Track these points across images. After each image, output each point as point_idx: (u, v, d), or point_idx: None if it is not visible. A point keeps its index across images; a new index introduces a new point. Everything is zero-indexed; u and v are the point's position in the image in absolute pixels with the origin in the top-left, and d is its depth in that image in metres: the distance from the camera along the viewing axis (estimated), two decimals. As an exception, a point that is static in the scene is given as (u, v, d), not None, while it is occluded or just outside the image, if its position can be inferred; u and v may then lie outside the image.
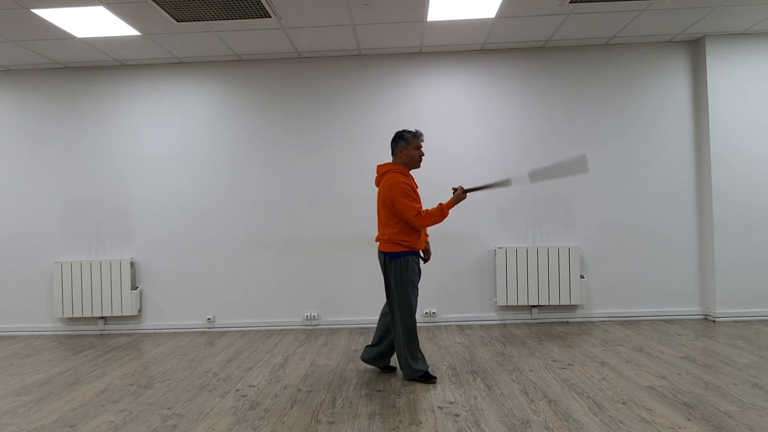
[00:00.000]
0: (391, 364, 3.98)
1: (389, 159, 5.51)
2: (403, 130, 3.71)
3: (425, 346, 4.67)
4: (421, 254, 3.88)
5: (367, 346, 3.95)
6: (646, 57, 5.49)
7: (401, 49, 5.45)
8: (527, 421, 2.94)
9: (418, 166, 3.74)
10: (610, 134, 5.50)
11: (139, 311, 5.60)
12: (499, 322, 5.49)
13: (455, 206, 3.83)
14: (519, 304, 5.38)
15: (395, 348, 3.73)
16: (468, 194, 3.68)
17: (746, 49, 5.29)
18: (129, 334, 5.53)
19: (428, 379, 3.67)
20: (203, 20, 4.52)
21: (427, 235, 3.84)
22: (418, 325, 5.51)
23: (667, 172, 5.47)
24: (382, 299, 5.51)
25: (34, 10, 4.23)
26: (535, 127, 5.52)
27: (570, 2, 4.37)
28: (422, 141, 3.71)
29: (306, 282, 5.56)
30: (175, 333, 5.53)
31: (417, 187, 3.76)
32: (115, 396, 3.59)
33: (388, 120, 5.55)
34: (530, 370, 3.86)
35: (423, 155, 3.72)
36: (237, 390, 3.64)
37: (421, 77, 5.56)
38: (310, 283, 5.56)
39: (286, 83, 5.61)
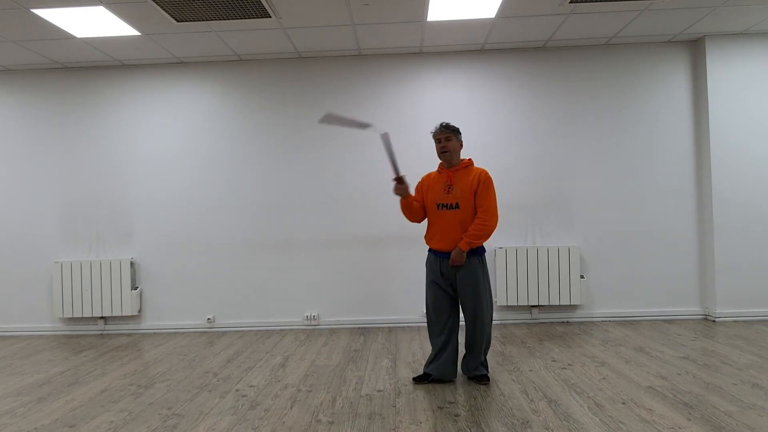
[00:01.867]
0: (474, 372, 3.65)
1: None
2: None
3: (425, 346, 4.67)
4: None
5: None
6: (646, 57, 5.49)
7: (401, 49, 5.45)
8: (527, 421, 2.94)
9: (441, 159, 3.59)
10: (610, 134, 5.50)
11: (139, 311, 5.60)
12: (499, 322, 5.49)
13: (402, 201, 3.62)
14: (519, 304, 5.38)
15: None
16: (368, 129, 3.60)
17: (746, 49, 5.28)
18: (129, 334, 5.53)
19: (420, 379, 3.70)
20: (203, 20, 4.52)
21: (461, 239, 3.47)
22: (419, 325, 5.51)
23: (667, 172, 5.47)
24: (382, 299, 5.52)
25: (34, 10, 4.23)
26: (535, 127, 5.52)
27: (570, 2, 4.37)
28: (439, 134, 3.56)
29: (306, 282, 5.56)
30: (175, 333, 5.53)
31: (453, 184, 3.52)
32: (115, 396, 3.59)
33: (388, 120, 5.55)
34: (530, 370, 3.86)
35: (443, 147, 3.53)
36: (237, 390, 3.64)
37: (421, 77, 5.56)
38: (310, 283, 5.56)
39: (286, 83, 5.61)
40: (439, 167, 3.67)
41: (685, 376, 3.63)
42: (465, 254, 3.48)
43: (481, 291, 3.53)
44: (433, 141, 5.48)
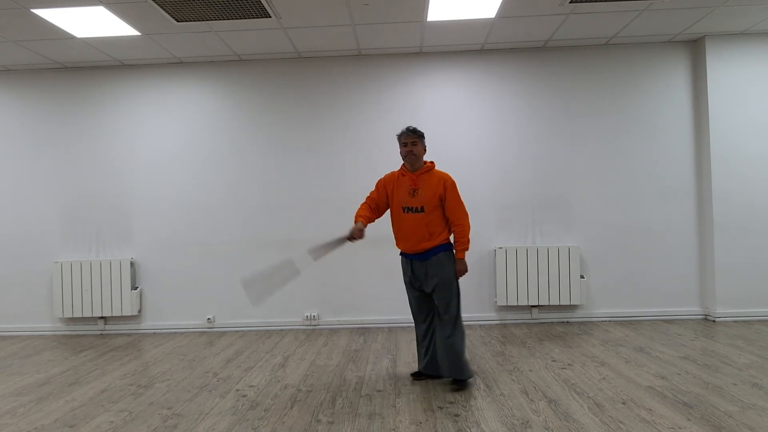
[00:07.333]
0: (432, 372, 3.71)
1: (388, 159, 5.52)
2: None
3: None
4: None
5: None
6: (646, 57, 5.49)
7: (401, 49, 5.45)
8: (527, 421, 2.94)
9: (406, 162, 3.60)
10: (610, 134, 5.50)
11: (139, 311, 5.60)
12: (499, 322, 5.49)
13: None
14: (519, 304, 5.38)
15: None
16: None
17: (746, 49, 5.28)
18: (129, 334, 5.53)
19: (417, 375, 3.76)
20: (203, 20, 4.52)
21: (428, 239, 3.53)
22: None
23: (667, 172, 5.47)
24: (382, 299, 5.51)
25: (34, 10, 4.23)
26: (535, 127, 5.52)
27: (570, 2, 4.37)
28: (406, 138, 3.55)
29: (306, 282, 5.56)
30: (175, 333, 5.53)
31: (418, 188, 3.52)
32: (115, 396, 3.59)
33: (388, 120, 5.55)
34: (530, 370, 3.86)
35: (409, 150, 3.54)
36: (237, 390, 3.64)
37: (421, 77, 5.55)
38: (310, 283, 5.56)
39: (286, 83, 5.61)
40: (401, 169, 3.67)
41: (685, 376, 3.63)
42: (465, 261, 3.60)
43: (454, 286, 3.57)
44: (434, 143, 5.49)
